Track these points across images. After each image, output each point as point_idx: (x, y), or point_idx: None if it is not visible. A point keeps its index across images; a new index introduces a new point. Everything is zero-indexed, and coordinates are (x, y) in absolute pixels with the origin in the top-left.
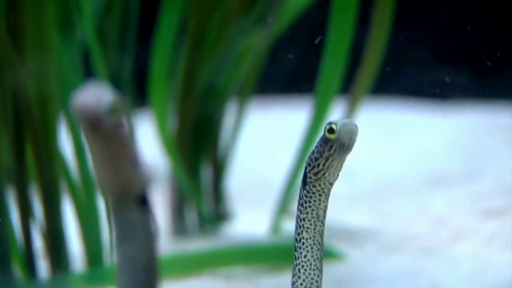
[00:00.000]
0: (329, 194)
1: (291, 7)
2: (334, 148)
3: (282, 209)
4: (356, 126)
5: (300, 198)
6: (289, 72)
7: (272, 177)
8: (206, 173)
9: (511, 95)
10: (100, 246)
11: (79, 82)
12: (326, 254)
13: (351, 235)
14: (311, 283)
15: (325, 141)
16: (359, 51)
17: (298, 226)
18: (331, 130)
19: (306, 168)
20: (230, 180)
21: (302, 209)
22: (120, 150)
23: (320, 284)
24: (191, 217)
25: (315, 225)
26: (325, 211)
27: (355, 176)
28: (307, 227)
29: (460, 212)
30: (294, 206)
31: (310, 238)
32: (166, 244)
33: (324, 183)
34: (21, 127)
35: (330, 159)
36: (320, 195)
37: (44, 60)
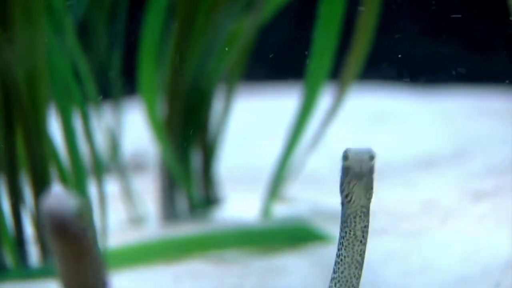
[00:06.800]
0: (366, 216)
1: None
2: (349, 175)
3: (272, 192)
4: (370, 154)
5: (341, 217)
6: (277, 58)
7: (262, 162)
8: (196, 158)
9: (500, 79)
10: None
11: (68, 64)
12: (313, 236)
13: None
14: None
15: (342, 167)
16: (349, 35)
17: (338, 243)
18: (345, 158)
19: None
20: (220, 165)
21: (342, 227)
22: (85, 253)
23: None
24: (182, 202)
25: (353, 244)
26: (364, 232)
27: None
28: (346, 246)
29: (451, 193)
30: (284, 190)
31: (348, 256)
32: (156, 229)
33: (355, 206)
34: (10, 110)
35: (350, 185)
36: (354, 217)
37: (33, 41)
